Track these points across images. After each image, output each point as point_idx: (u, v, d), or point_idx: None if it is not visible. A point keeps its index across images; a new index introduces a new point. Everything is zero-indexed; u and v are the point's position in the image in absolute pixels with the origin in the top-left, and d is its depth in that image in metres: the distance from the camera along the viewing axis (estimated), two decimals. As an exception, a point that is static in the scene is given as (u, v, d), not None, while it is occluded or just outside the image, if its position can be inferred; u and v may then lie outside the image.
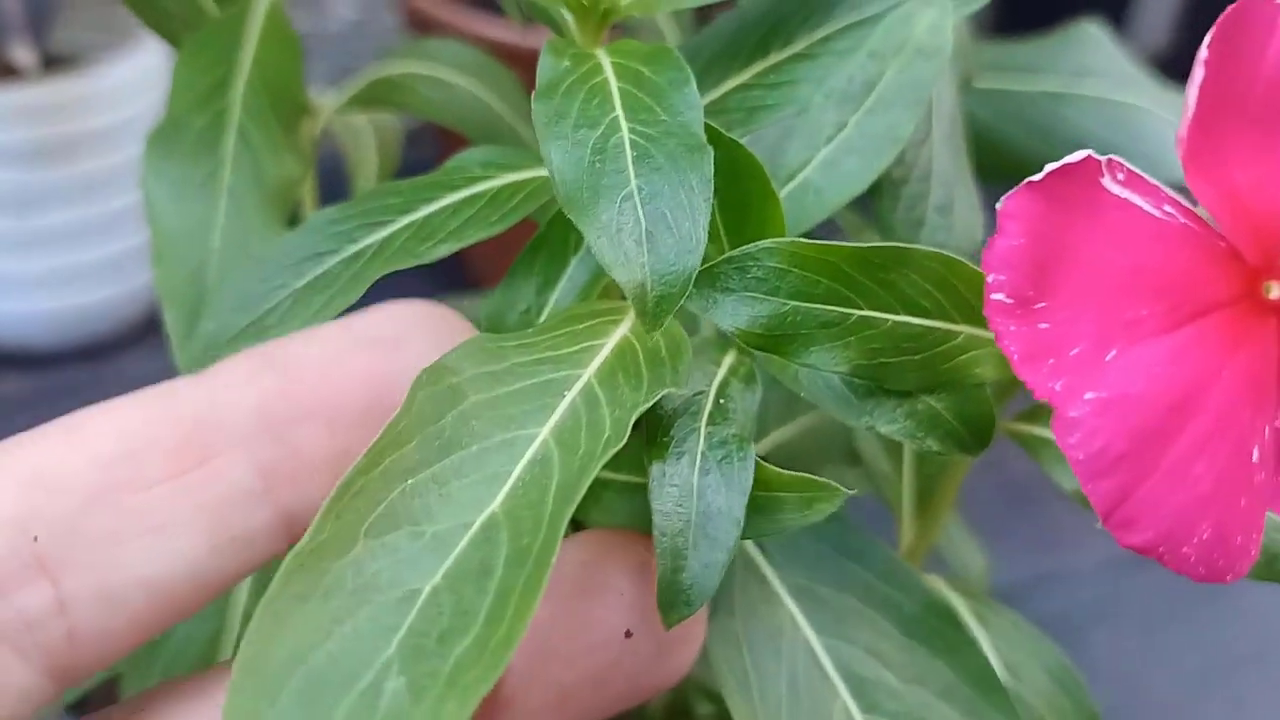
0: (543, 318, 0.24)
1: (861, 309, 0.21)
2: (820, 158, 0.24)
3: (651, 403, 0.20)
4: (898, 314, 0.21)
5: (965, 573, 0.37)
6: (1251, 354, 0.17)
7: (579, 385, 0.20)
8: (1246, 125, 0.17)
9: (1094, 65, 0.35)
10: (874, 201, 0.25)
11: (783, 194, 0.24)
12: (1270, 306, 0.17)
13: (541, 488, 0.18)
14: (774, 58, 0.25)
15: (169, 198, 0.29)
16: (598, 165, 0.20)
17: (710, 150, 0.20)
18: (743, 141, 0.25)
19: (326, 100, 0.37)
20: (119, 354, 0.69)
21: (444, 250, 0.23)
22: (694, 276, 0.20)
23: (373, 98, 0.34)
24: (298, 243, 0.24)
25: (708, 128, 0.21)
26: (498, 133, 0.35)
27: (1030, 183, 0.17)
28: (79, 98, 0.64)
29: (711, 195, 0.20)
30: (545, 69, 0.22)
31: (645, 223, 0.20)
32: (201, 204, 0.29)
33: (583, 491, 0.18)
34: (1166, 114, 0.35)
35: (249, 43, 0.31)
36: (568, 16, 0.24)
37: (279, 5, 0.33)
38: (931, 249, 0.21)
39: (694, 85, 0.21)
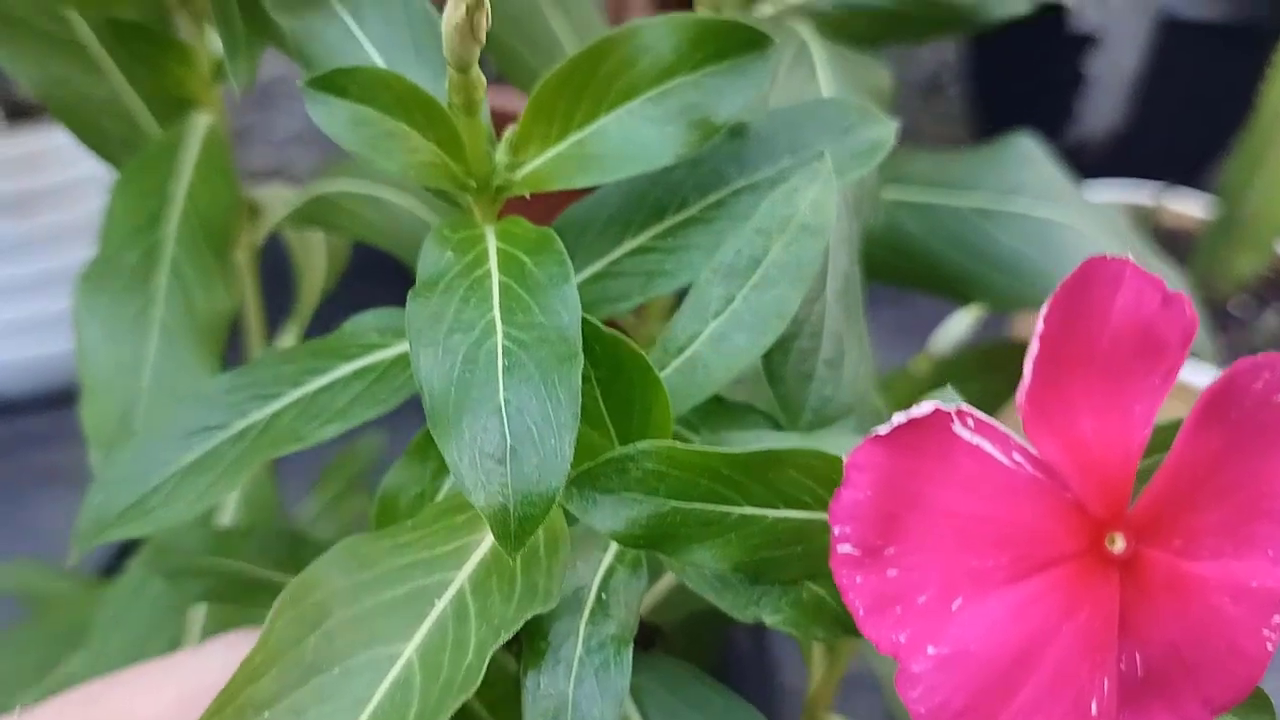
0: (438, 500, 0.24)
1: (742, 507, 0.21)
2: (709, 332, 0.24)
3: (519, 625, 0.20)
4: (779, 509, 0.21)
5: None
6: (1093, 607, 0.17)
7: (450, 593, 0.20)
8: (1092, 381, 0.17)
9: (1024, 181, 0.35)
10: (764, 355, 0.25)
11: (671, 368, 0.24)
12: (1112, 559, 0.17)
13: (400, 718, 0.18)
14: (669, 220, 0.25)
15: (100, 336, 0.29)
16: (467, 375, 0.20)
17: (580, 359, 0.20)
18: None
19: (273, 198, 0.37)
20: (82, 403, 0.69)
21: (331, 431, 0.23)
22: (557, 496, 0.19)
23: (310, 217, 0.34)
24: (191, 412, 0.24)
25: (588, 325, 0.21)
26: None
27: (877, 435, 0.17)
28: (43, 151, 0.64)
29: (579, 411, 0.20)
30: (427, 263, 0.22)
31: (510, 439, 0.20)
32: (132, 342, 0.29)
33: None
34: (1093, 231, 0.35)
35: (184, 170, 0.31)
36: (466, 195, 0.24)
37: (216, 128, 0.32)
38: (809, 448, 0.21)
39: (573, 283, 0.21)
